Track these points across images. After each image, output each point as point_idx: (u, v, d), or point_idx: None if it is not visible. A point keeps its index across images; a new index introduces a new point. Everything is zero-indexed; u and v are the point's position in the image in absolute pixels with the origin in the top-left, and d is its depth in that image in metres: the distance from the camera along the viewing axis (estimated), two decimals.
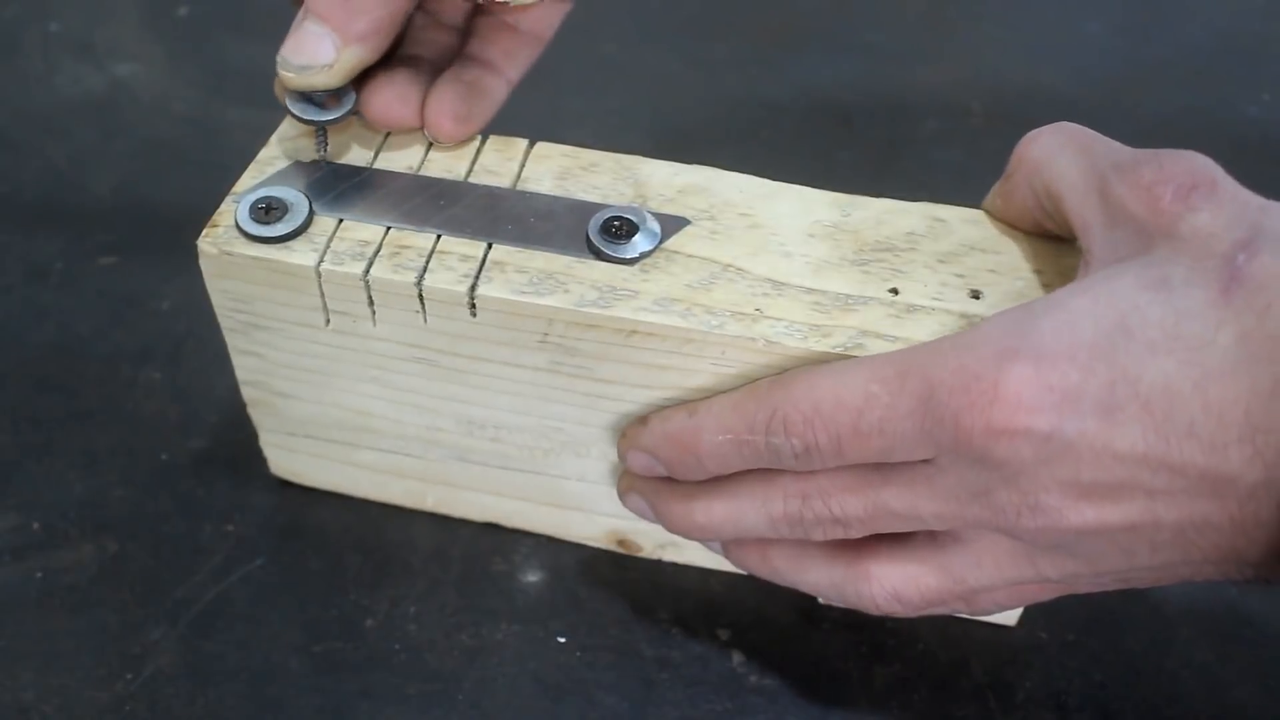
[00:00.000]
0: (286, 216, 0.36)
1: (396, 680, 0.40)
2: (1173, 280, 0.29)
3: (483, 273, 0.35)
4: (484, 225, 0.37)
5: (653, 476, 0.37)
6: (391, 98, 0.38)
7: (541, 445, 0.40)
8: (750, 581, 0.41)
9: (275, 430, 0.43)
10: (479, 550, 0.44)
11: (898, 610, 0.34)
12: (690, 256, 0.36)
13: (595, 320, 0.34)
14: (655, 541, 0.43)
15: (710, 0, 0.72)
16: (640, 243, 0.36)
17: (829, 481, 0.33)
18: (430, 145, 0.39)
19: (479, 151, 0.39)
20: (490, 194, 0.38)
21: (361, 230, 0.36)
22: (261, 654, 0.41)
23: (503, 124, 0.40)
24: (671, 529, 0.37)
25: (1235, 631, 0.42)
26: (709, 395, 0.35)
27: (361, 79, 0.38)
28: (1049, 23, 0.71)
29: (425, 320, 0.36)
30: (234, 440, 0.46)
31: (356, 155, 0.39)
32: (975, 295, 0.34)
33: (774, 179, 0.38)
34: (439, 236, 0.36)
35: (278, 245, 0.36)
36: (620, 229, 0.36)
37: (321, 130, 0.38)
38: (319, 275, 0.36)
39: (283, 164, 0.38)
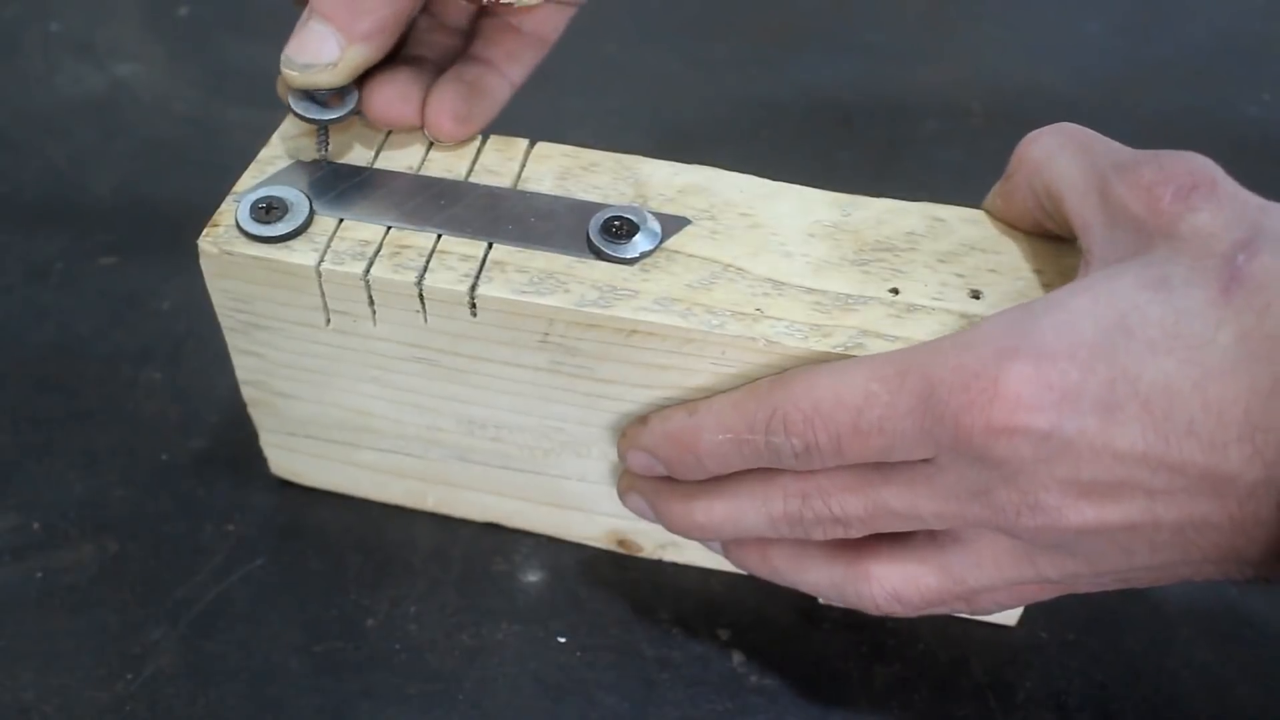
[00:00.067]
0: (287, 216, 0.36)
1: (397, 680, 0.40)
2: (1173, 280, 0.29)
3: (483, 272, 0.35)
4: (484, 225, 0.37)
5: (653, 476, 0.37)
6: (393, 96, 0.38)
7: (542, 445, 0.40)
8: (750, 581, 0.41)
9: (275, 430, 0.43)
10: (479, 550, 0.44)
11: (897, 610, 0.34)
12: (691, 256, 0.36)
13: (596, 320, 0.34)
14: (655, 541, 0.43)
15: (710, 0, 0.72)
16: (640, 242, 0.36)
17: (829, 481, 0.33)
18: (431, 145, 0.39)
19: (479, 151, 0.39)
20: (491, 194, 0.38)
21: (362, 230, 0.36)
22: (262, 654, 0.41)
23: (503, 124, 0.40)
24: (671, 529, 0.37)
25: (1235, 631, 0.42)
26: (709, 395, 0.35)
27: (363, 77, 0.38)
28: (1049, 23, 0.71)
29: (426, 320, 0.36)
30: (234, 440, 0.46)
31: (357, 155, 0.39)
32: (975, 295, 0.35)
33: (774, 179, 0.38)
34: (439, 236, 0.36)
35: (278, 245, 0.36)
36: (621, 229, 0.36)
37: (323, 129, 0.38)
38: (319, 275, 0.36)
39: (284, 163, 0.38)
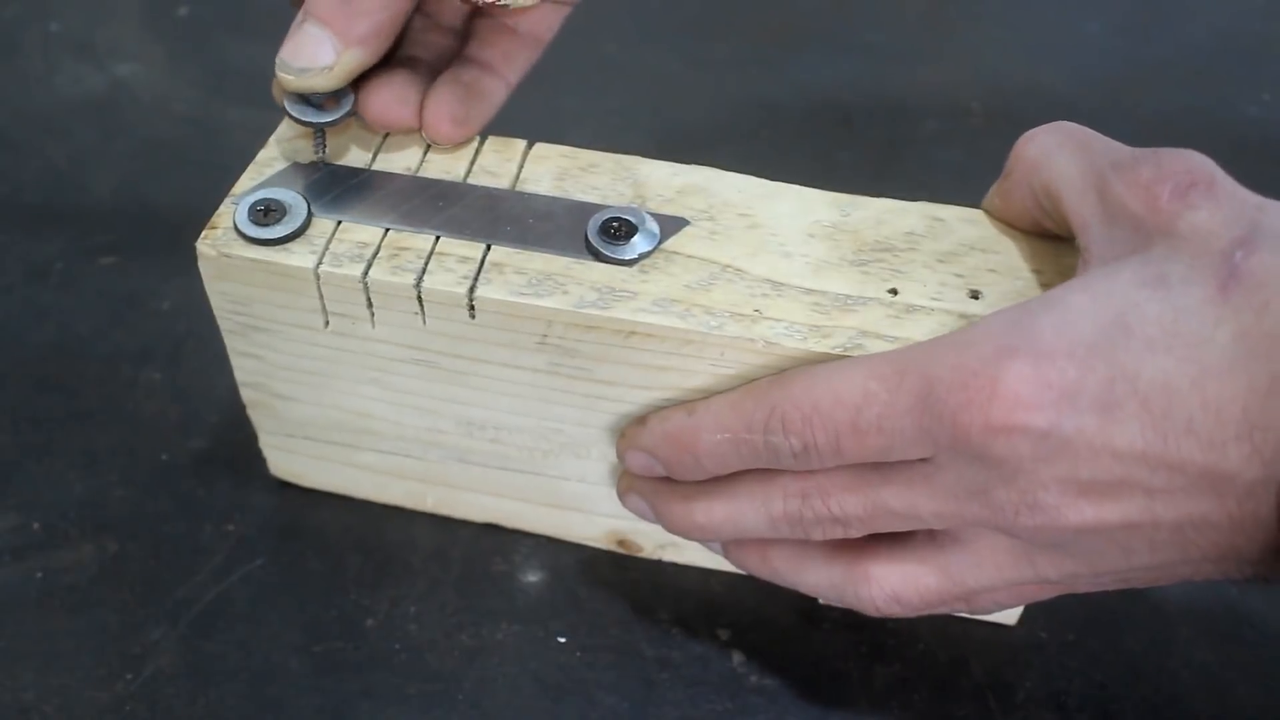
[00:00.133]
0: (285, 218, 0.36)
1: (397, 680, 0.40)
2: (1171, 278, 0.29)
3: (481, 274, 0.35)
4: (483, 226, 0.37)
5: (652, 477, 0.37)
6: (390, 99, 0.38)
7: (541, 446, 0.40)
8: (750, 581, 0.41)
9: (275, 432, 0.43)
10: (479, 550, 0.44)
11: (897, 611, 0.34)
12: (689, 257, 0.36)
13: (594, 321, 0.34)
14: (655, 542, 0.43)
15: (710, 0, 0.72)
16: (639, 243, 0.36)
17: (828, 481, 0.33)
18: (429, 146, 0.39)
19: (477, 152, 0.39)
20: (489, 195, 0.38)
21: (360, 232, 0.36)
22: (262, 654, 0.41)
23: (502, 124, 0.40)
24: (671, 529, 0.37)
25: (1235, 631, 0.42)
26: (708, 396, 0.35)
27: (360, 80, 0.38)
28: (1049, 23, 0.71)
29: (424, 322, 0.36)
30: (234, 440, 0.46)
31: (355, 157, 0.39)
32: (974, 295, 0.34)
33: (774, 179, 0.38)
34: (438, 238, 0.36)
35: (276, 247, 0.36)
36: (619, 230, 0.36)
37: (320, 132, 0.38)
38: (318, 277, 0.36)
39: (281, 165, 0.38)
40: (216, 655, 0.41)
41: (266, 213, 0.36)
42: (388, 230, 0.36)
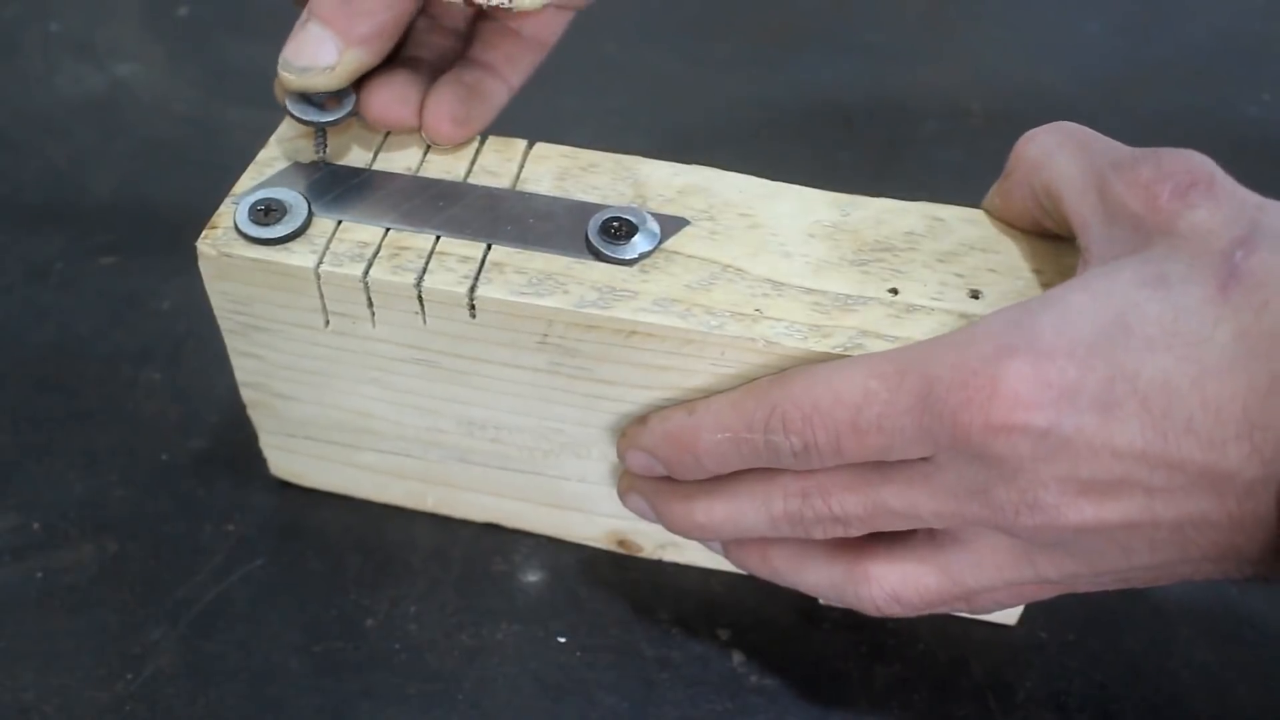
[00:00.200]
0: (285, 218, 0.36)
1: (397, 680, 0.40)
2: (1171, 277, 0.29)
3: (482, 274, 0.35)
4: (483, 226, 0.37)
5: (653, 476, 0.37)
6: (391, 98, 0.38)
7: (542, 446, 0.40)
8: (750, 581, 0.41)
9: (275, 432, 0.43)
10: (479, 550, 0.44)
11: (897, 611, 0.34)
12: (690, 257, 0.36)
13: (595, 321, 0.34)
14: (655, 542, 0.43)
15: (710, 0, 0.72)
16: (640, 243, 0.36)
17: (828, 480, 0.33)
18: (429, 146, 0.39)
19: (478, 152, 0.39)
20: (489, 195, 0.38)
21: (361, 231, 0.36)
22: (262, 654, 0.41)
23: (502, 124, 0.40)
24: (671, 529, 0.37)
25: (1235, 631, 0.42)
26: (709, 395, 0.35)
27: (361, 80, 0.38)
28: (1049, 23, 0.71)
29: (425, 321, 0.36)
30: (234, 440, 0.46)
31: (355, 156, 0.39)
32: (975, 295, 0.34)
33: (774, 179, 0.38)
34: (438, 237, 0.36)
35: (277, 247, 0.36)
36: (620, 229, 0.36)
37: (321, 131, 0.38)
38: (318, 277, 0.36)
39: (282, 165, 0.38)
40: (216, 655, 0.41)
41: (267, 212, 0.36)
42: (388, 230, 0.36)
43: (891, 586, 0.34)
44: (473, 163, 0.39)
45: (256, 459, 0.45)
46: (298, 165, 0.38)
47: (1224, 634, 0.42)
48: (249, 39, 0.67)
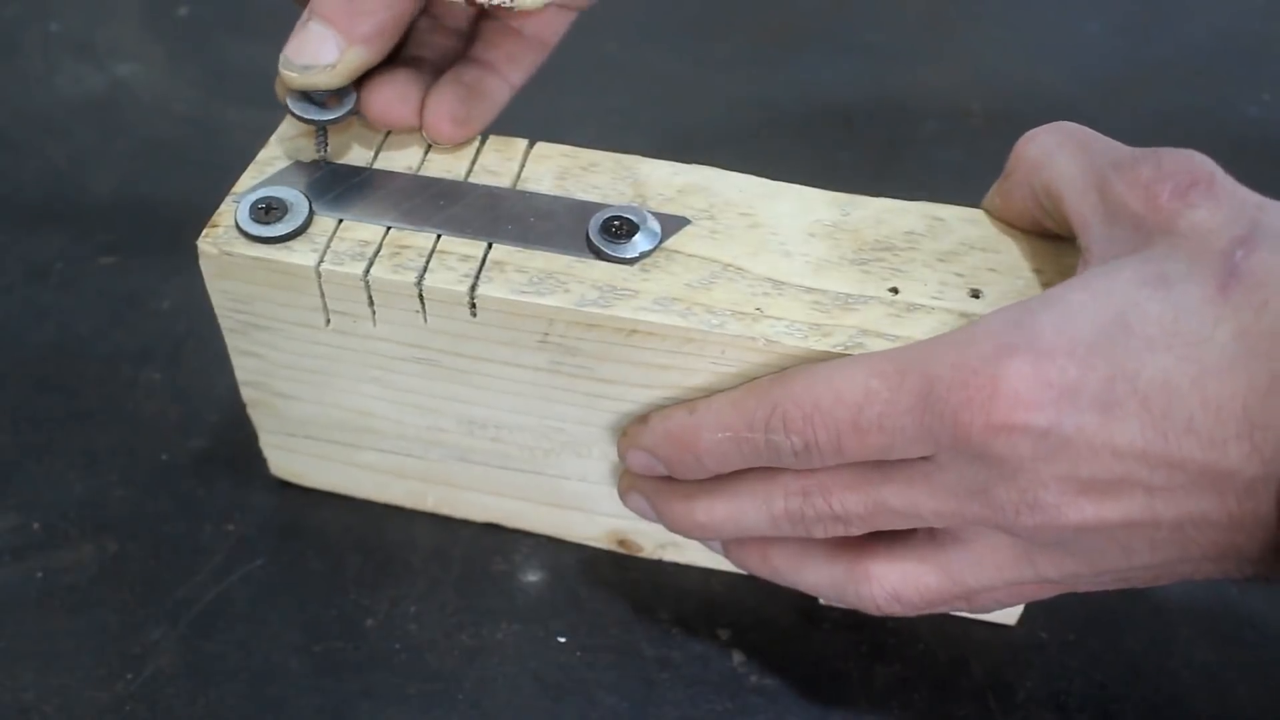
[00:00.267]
0: (286, 217, 0.36)
1: (397, 680, 0.40)
2: (1171, 276, 0.29)
3: (483, 272, 0.35)
4: (484, 225, 0.37)
5: (653, 475, 0.37)
6: (392, 97, 0.38)
7: (542, 445, 0.40)
8: (750, 581, 0.41)
9: (275, 431, 0.43)
10: (479, 550, 0.44)
11: (897, 610, 0.34)
12: (690, 256, 0.36)
13: (595, 320, 0.34)
14: (656, 541, 0.43)
15: (710, 0, 0.72)
16: (640, 242, 0.36)
17: (829, 479, 0.33)
18: (430, 146, 0.39)
19: (479, 151, 0.39)
20: (490, 194, 0.38)
21: (361, 230, 0.36)
22: (262, 654, 0.41)
23: (503, 124, 0.40)
24: (672, 528, 0.37)
25: (1235, 631, 0.42)
26: (709, 394, 0.35)
27: (362, 78, 0.38)
28: (1049, 23, 0.71)
29: (425, 320, 0.36)
30: (234, 440, 0.46)
31: (356, 155, 0.39)
32: (975, 294, 0.35)
33: (774, 179, 0.38)
34: (439, 236, 0.36)
35: (278, 245, 0.36)
36: (620, 228, 0.36)
37: (322, 130, 0.38)
38: (319, 275, 0.36)
39: (283, 164, 0.38)
40: (216, 655, 0.41)
41: (268, 211, 0.36)
42: (389, 229, 0.36)
43: (892, 585, 0.34)
44: (473, 162, 0.39)
45: (256, 459, 0.45)
46: (299, 164, 0.38)
47: (1224, 634, 0.42)
48: (249, 39, 0.67)
